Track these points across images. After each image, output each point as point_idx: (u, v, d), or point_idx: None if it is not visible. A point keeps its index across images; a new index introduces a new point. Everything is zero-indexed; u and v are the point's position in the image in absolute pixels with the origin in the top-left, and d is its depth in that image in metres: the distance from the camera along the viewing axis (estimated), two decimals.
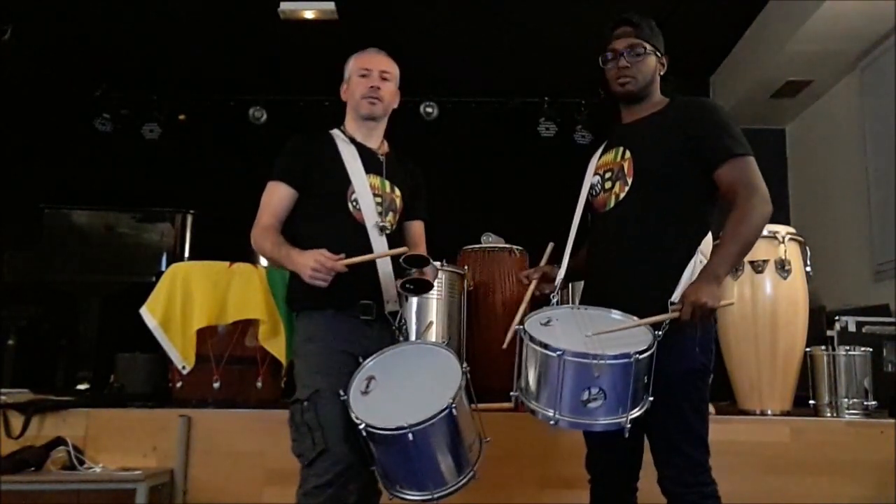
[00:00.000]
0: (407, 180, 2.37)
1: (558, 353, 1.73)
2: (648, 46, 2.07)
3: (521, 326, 1.86)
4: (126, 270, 4.72)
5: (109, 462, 2.88)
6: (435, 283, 3.53)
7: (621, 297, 1.92)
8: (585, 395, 1.74)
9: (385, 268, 2.19)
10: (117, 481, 2.73)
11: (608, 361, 1.72)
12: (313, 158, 2.26)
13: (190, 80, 6.30)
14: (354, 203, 2.21)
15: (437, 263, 2.88)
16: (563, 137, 6.43)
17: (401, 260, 2.14)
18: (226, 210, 4.64)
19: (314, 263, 1.99)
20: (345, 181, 2.22)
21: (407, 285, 2.14)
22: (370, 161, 2.28)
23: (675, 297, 1.87)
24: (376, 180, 2.27)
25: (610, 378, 1.73)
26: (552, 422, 1.76)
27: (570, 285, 3.23)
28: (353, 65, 2.34)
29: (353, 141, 2.30)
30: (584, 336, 1.78)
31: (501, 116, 6.50)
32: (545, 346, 1.77)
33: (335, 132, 2.34)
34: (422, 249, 2.33)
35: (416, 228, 2.39)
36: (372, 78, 2.29)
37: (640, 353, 1.73)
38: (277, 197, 2.23)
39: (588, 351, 1.72)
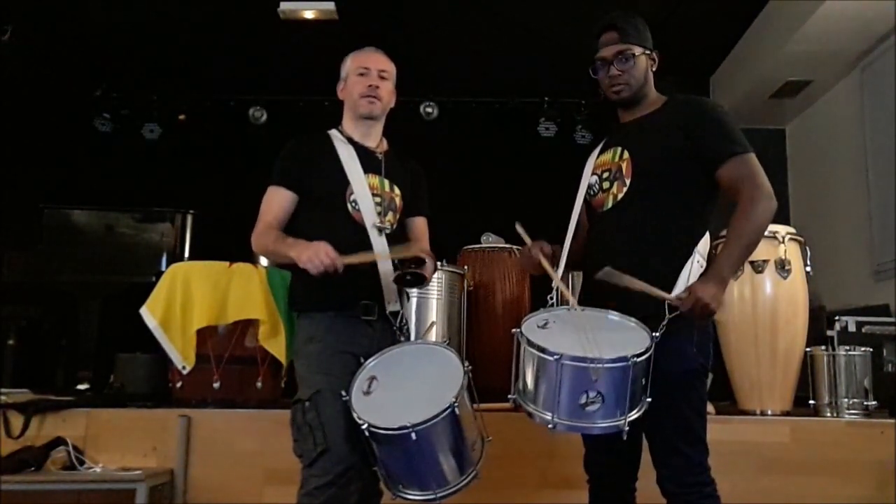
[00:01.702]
0: (407, 178, 2.36)
1: (556, 357, 1.73)
2: (637, 49, 2.06)
3: (519, 329, 1.85)
4: (126, 270, 4.71)
5: (109, 462, 2.88)
6: (435, 284, 3.59)
7: (619, 298, 1.91)
8: (583, 399, 1.73)
9: (386, 268, 2.19)
10: (117, 481, 2.73)
11: (606, 365, 1.71)
12: (311, 160, 2.26)
13: (190, 80, 6.30)
14: (353, 204, 2.21)
15: (437, 263, 2.87)
16: (563, 137, 6.43)
17: (396, 260, 2.14)
18: (226, 210, 4.65)
19: (315, 247, 1.99)
20: (343, 182, 2.22)
21: (406, 277, 2.12)
22: (369, 161, 2.28)
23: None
24: (375, 180, 2.26)
25: (608, 381, 1.73)
26: (550, 425, 1.76)
27: (570, 285, 3.22)
28: (351, 63, 2.33)
29: (350, 141, 2.30)
30: (584, 332, 1.77)
31: (501, 116, 6.50)
32: (542, 350, 1.76)
33: (333, 132, 2.34)
34: (424, 245, 2.33)
35: (419, 225, 2.38)
36: (370, 77, 2.28)
37: (638, 356, 1.73)
38: (277, 201, 2.23)
39: (586, 355, 1.72)
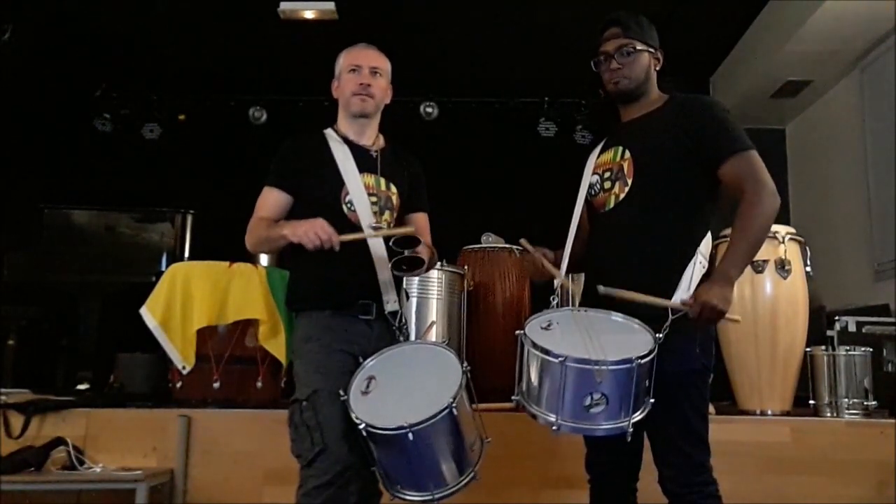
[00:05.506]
0: (404, 175, 2.33)
1: (560, 359, 1.72)
2: (639, 44, 2.06)
3: (522, 331, 1.85)
4: (126, 270, 4.72)
5: (109, 462, 2.88)
6: (435, 284, 3.59)
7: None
8: (588, 401, 1.73)
9: (384, 268, 2.17)
10: (117, 481, 2.73)
11: (610, 367, 1.71)
12: (306, 161, 2.24)
13: (190, 80, 6.30)
14: (349, 205, 2.19)
15: (437, 263, 2.86)
16: (563, 137, 6.43)
17: (391, 243, 2.11)
18: (226, 210, 4.63)
19: (311, 222, 1.99)
20: (338, 183, 2.20)
21: (402, 265, 2.10)
22: (364, 160, 2.25)
23: (675, 299, 1.87)
24: (371, 179, 2.24)
25: (612, 383, 1.72)
26: (554, 427, 1.76)
27: (570, 289, 3.22)
28: (343, 61, 2.30)
29: (346, 140, 2.27)
30: (588, 334, 1.77)
31: (501, 116, 6.50)
32: (546, 352, 1.76)
33: (328, 132, 2.31)
34: (425, 240, 2.31)
35: (419, 220, 2.35)
36: (362, 74, 2.25)
37: (642, 357, 1.73)
38: (271, 201, 2.22)
39: (590, 357, 1.72)
